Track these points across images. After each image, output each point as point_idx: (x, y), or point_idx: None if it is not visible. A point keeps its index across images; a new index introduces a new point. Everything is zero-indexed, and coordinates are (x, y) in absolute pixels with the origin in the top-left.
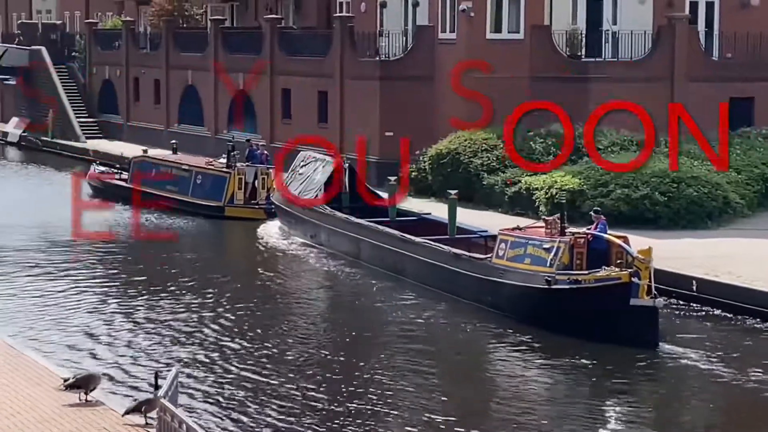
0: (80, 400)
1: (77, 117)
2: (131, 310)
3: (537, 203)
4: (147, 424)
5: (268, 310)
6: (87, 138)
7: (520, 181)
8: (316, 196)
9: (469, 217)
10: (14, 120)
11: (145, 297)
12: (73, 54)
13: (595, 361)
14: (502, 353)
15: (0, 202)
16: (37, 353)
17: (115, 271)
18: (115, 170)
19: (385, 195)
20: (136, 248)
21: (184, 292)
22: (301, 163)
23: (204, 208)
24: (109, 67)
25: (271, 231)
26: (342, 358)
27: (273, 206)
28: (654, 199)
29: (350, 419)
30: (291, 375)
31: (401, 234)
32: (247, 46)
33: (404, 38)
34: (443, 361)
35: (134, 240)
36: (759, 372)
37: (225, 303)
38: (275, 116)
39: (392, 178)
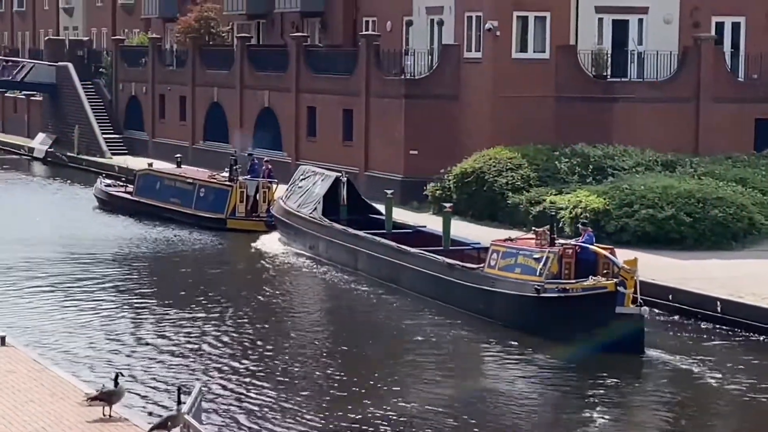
0: (104, 415)
1: (103, 133)
2: (152, 324)
3: (561, 223)
4: None
5: (281, 324)
6: (112, 154)
7: (544, 200)
8: (315, 209)
9: (494, 236)
10: (40, 136)
11: (163, 310)
12: (100, 70)
13: (582, 367)
14: (493, 358)
15: (27, 215)
16: (61, 368)
17: (138, 285)
18: (121, 183)
19: (381, 208)
20: (153, 262)
21: (199, 306)
22: (301, 177)
23: (206, 220)
24: (135, 83)
25: (271, 243)
26: (360, 371)
27: (273, 218)
28: (679, 220)
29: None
30: (310, 390)
31: (397, 245)
32: (272, 64)
33: (430, 57)
34: (438, 365)
35: (153, 254)
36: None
37: (239, 317)
38: (300, 134)
39: (388, 192)
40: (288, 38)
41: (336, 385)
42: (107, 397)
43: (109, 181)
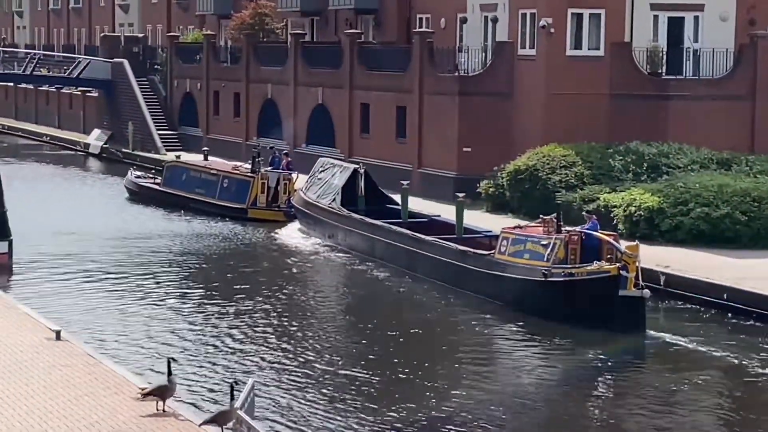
0: (157, 409)
1: (157, 129)
2: (203, 317)
3: (615, 221)
4: None
5: (319, 314)
6: (167, 150)
7: (598, 198)
8: (334, 199)
9: None
10: (96, 132)
11: (207, 302)
12: (155, 67)
13: (587, 346)
14: (503, 339)
15: (81, 210)
16: (115, 362)
17: (181, 277)
18: (151, 175)
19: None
20: (189, 255)
21: (239, 297)
22: (320, 169)
23: (229, 210)
24: (190, 80)
25: (292, 232)
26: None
27: (293, 209)
28: (734, 219)
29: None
30: (358, 384)
31: (413, 233)
32: (326, 61)
33: (483, 54)
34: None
35: (186, 247)
36: None
37: (279, 308)
38: (354, 131)
39: (404, 183)
40: (342, 35)
41: (383, 380)
42: (160, 393)
43: (139, 173)
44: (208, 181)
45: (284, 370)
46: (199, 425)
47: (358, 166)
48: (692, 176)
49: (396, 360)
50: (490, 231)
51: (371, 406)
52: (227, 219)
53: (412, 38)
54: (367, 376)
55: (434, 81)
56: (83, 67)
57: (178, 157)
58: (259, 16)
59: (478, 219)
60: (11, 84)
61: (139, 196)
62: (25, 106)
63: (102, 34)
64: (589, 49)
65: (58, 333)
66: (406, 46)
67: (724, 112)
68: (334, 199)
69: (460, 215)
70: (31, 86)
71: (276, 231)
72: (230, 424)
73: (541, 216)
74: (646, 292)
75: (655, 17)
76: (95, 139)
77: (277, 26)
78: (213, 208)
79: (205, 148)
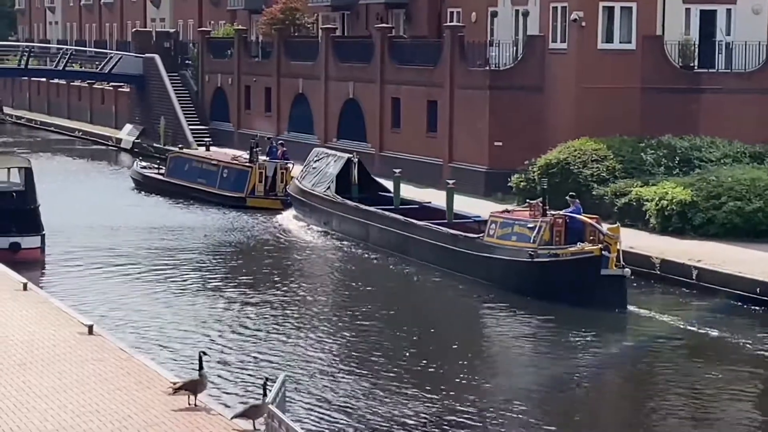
0: (189, 404)
1: (189, 124)
2: (230, 312)
3: (647, 215)
4: (255, 429)
5: (335, 303)
6: (198, 145)
7: (630, 192)
8: (329, 187)
9: None
10: (128, 127)
11: (235, 297)
12: (186, 62)
13: (571, 323)
14: (492, 317)
15: (112, 205)
16: (146, 357)
17: (214, 270)
18: (156, 165)
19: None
20: (220, 248)
21: (253, 288)
22: (315, 158)
23: (228, 199)
24: (221, 74)
25: (287, 219)
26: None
27: (289, 197)
28: (767, 212)
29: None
30: (388, 376)
31: (406, 219)
32: (357, 55)
33: (514, 48)
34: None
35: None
36: None
37: (293, 297)
38: (384, 125)
39: (396, 171)
40: (373, 29)
41: (413, 370)
42: (192, 387)
43: (144, 164)
44: (208, 172)
45: (314, 363)
46: (231, 419)
47: (351, 155)
48: (725, 170)
49: (416, 349)
50: (479, 216)
51: (403, 396)
52: (226, 207)
53: (443, 32)
54: (398, 370)
55: (465, 75)
56: (115, 63)
57: (180, 147)
58: (290, 10)
59: None
60: (44, 79)
61: (143, 186)
62: (58, 102)
63: (134, 30)
64: (620, 42)
65: (90, 327)
66: (436, 41)
67: (757, 106)
68: (329, 187)
69: (450, 201)
70: (63, 82)
71: (273, 218)
72: (261, 419)
73: (528, 200)
74: (627, 271)
75: (687, 10)
76: (127, 134)
77: (308, 21)
78: (213, 197)
79: (208, 139)
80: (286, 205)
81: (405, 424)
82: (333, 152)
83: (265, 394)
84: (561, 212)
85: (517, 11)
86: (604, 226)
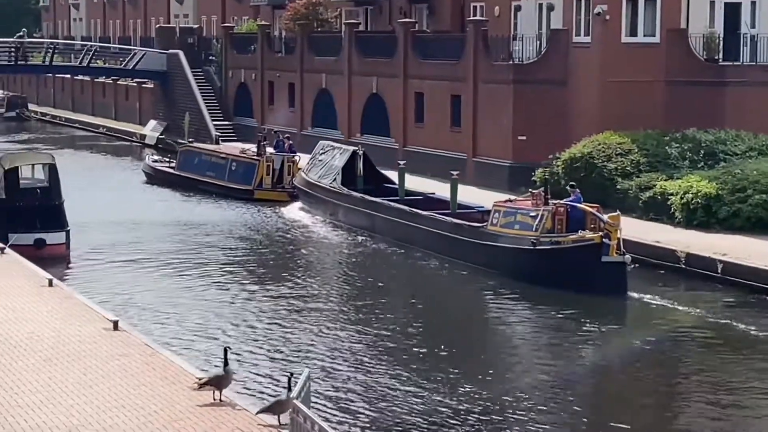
0: (214, 399)
1: (213, 120)
2: (250, 305)
3: (672, 208)
4: (280, 424)
5: (355, 295)
6: (222, 141)
7: (654, 186)
8: (335, 179)
9: None
10: (152, 123)
11: (254, 290)
12: (210, 58)
13: (574, 308)
14: (497, 304)
15: (137, 201)
16: (171, 352)
17: (232, 264)
18: (166, 159)
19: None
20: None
21: (275, 281)
22: (321, 151)
23: (236, 192)
24: (245, 70)
25: (294, 211)
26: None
27: (295, 189)
28: None
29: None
30: (413, 370)
31: (411, 209)
32: (380, 50)
33: (538, 42)
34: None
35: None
36: None
37: (313, 290)
38: (408, 120)
39: (401, 162)
40: (396, 24)
41: (438, 364)
42: (217, 382)
43: (156, 157)
44: (217, 165)
45: (337, 356)
46: (256, 413)
47: (357, 148)
48: (750, 163)
49: (437, 339)
50: (482, 206)
51: (428, 390)
52: (234, 200)
53: (466, 27)
54: (422, 364)
55: (489, 69)
56: (139, 59)
57: (191, 142)
58: (312, 5)
59: None
60: (68, 76)
61: (155, 179)
62: (82, 98)
63: (157, 26)
64: (644, 36)
65: (115, 323)
66: (460, 35)
67: None
68: (335, 179)
69: (454, 191)
70: (87, 78)
71: (280, 210)
72: (286, 414)
73: (530, 190)
74: (628, 258)
75: (712, 3)
76: (151, 130)
77: (330, 16)
78: (222, 189)
79: (217, 133)
80: (293, 198)
81: (430, 417)
82: (338, 145)
83: (290, 389)
84: (562, 201)
85: (540, 5)
86: (605, 215)
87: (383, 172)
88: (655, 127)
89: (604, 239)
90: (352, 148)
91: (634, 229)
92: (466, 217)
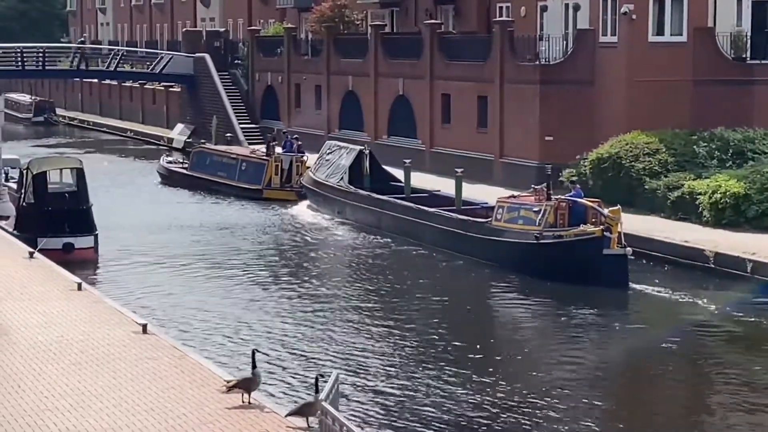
0: (243, 402)
1: (240, 123)
2: (277, 307)
3: (700, 208)
4: (309, 427)
5: (375, 295)
6: (249, 143)
7: (682, 185)
8: (342, 178)
9: (634, 223)
10: (179, 126)
11: (276, 291)
12: (236, 61)
13: (576, 300)
14: (501, 296)
15: (166, 201)
16: (200, 355)
17: (254, 265)
18: (180, 160)
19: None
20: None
21: (305, 280)
22: (328, 151)
23: (246, 191)
24: (271, 73)
25: (302, 210)
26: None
27: (303, 189)
28: None
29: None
30: (442, 372)
31: (417, 206)
32: (406, 52)
33: (565, 42)
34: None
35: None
36: None
37: (337, 291)
38: (435, 121)
39: (406, 161)
40: (422, 25)
41: (459, 362)
42: (245, 385)
43: (171, 158)
44: (228, 165)
45: (364, 357)
46: (285, 416)
47: (363, 147)
48: None
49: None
50: (486, 203)
51: (456, 394)
52: (244, 199)
53: (493, 27)
54: (451, 367)
55: (515, 70)
56: (166, 63)
57: (203, 143)
58: (338, 8)
59: None
60: (96, 80)
61: (169, 179)
62: (110, 102)
63: (184, 30)
64: (671, 35)
65: (144, 326)
66: (486, 36)
67: None
68: (342, 178)
69: (458, 189)
70: (115, 82)
71: (289, 209)
72: (315, 417)
73: (533, 186)
74: (629, 250)
75: (739, 1)
76: (178, 133)
77: (356, 18)
78: (232, 189)
79: (229, 134)
80: (301, 197)
81: (459, 419)
82: (345, 144)
83: (317, 391)
84: (563, 196)
85: (566, 5)
86: (605, 209)
87: (412, 174)
88: (682, 127)
89: (605, 233)
90: (358, 147)
91: (662, 228)
92: (471, 213)
